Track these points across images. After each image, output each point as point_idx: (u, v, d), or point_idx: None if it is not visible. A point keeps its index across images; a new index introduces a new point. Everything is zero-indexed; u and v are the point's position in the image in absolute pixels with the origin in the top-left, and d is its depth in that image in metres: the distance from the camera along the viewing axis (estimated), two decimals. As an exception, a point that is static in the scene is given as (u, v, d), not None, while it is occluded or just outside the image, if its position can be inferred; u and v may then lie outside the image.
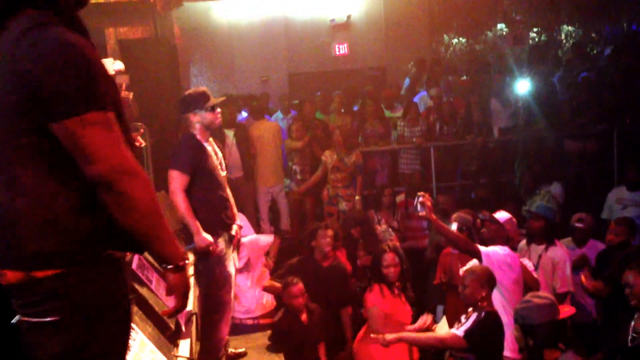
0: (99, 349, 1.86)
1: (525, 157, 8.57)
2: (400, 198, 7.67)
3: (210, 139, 4.39)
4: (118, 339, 1.95)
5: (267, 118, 8.96)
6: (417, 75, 10.26)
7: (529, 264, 4.91)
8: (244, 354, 4.98)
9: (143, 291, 3.59)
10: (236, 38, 11.45)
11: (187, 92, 4.42)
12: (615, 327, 4.49)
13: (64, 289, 1.79)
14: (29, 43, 1.69)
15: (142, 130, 5.07)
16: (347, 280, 5.59)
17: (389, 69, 11.94)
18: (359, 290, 5.49)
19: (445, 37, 12.70)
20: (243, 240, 5.70)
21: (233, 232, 4.41)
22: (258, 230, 7.82)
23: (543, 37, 11.85)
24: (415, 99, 9.28)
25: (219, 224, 4.28)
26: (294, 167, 8.08)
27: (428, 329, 4.55)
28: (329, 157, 7.66)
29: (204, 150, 4.23)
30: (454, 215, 5.36)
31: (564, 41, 11.55)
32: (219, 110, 4.33)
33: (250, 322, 5.74)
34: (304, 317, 4.98)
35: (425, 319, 4.59)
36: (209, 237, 4.13)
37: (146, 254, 4.26)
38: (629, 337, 3.87)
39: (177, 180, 4.10)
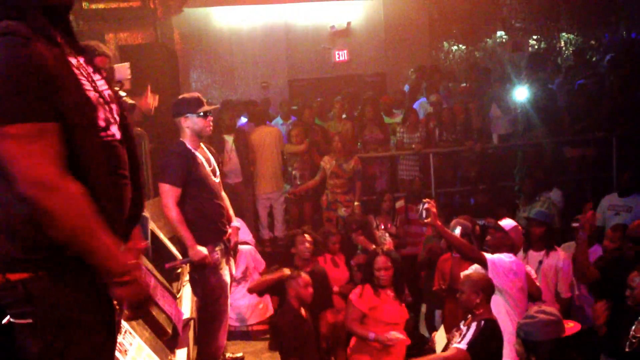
0: (77, 355, 1.85)
1: (525, 163, 8.59)
2: (399, 204, 7.67)
3: (202, 146, 4.31)
4: (98, 347, 1.92)
5: (267, 123, 8.96)
6: (417, 82, 10.28)
7: (531, 272, 4.91)
8: (241, 359, 4.98)
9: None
10: (236, 44, 11.47)
11: (181, 96, 4.36)
12: (615, 333, 4.49)
13: (35, 293, 1.79)
14: None
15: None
16: (328, 284, 5.56)
17: (388, 76, 11.97)
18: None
19: (445, 43, 12.74)
20: (241, 248, 5.72)
21: (228, 237, 4.34)
22: (257, 236, 7.84)
23: (542, 45, 11.89)
24: (414, 106, 9.29)
25: (215, 233, 4.22)
26: (293, 172, 8.10)
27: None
28: (327, 162, 7.68)
29: (194, 159, 4.14)
30: (453, 222, 5.37)
31: (564, 48, 11.59)
32: (211, 118, 4.24)
33: (244, 329, 5.74)
34: (303, 312, 5.01)
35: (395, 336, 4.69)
36: (203, 250, 4.09)
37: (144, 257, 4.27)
38: (627, 343, 3.87)
39: (168, 193, 4.04)
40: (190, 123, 4.15)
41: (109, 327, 2.00)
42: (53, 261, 1.80)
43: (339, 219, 7.53)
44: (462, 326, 4.06)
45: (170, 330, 3.67)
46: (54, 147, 1.73)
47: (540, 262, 5.29)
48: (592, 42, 11.20)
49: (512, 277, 4.42)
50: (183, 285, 4.72)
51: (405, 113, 8.75)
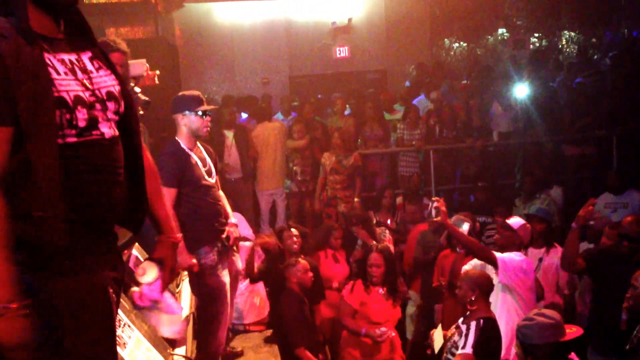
0: (75, 348, 1.85)
1: (525, 161, 8.60)
2: (400, 200, 7.69)
3: (199, 144, 4.25)
4: (96, 340, 1.93)
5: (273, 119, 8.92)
6: (418, 79, 10.28)
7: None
8: (240, 353, 4.98)
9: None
10: (237, 39, 11.46)
11: (180, 93, 4.29)
12: (601, 328, 4.52)
13: (30, 286, 1.79)
14: None
15: None
16: (319, 277, 5.57)
17: (389, 72, 11.96)
18: None
19: (446, 41, 12.72)
20: (242, 244, 5.70)
21: (227, 235, 4.27)
22: (257, 231, 7.84)
23: (544, 42, 11.88)
24: (413, 103, 9.29)
25: (211, 234, 4.15)
26: (294, 168, 8.11)
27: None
28: (327, 159, 7.69)
29: (188, 159, 4.08)
30: (454, 218, 5.37)
31: (565, 46, 11.58)
32: (209, 118, 4.18)
33: (241, 327, 5.74)
34: (302, 295, 5.04)
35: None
36: (189, 260, 3.99)
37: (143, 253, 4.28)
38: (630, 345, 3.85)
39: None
40: (188, 121, 4.09)
41: (109, 321, 2.00)
42: (45, 254, 1.81)
43: (339, 215, 7.54)
44: (460, 324, 4.08)
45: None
46: None
47: (541, 260, 5.30)
48: (594, 40, 11.20)
49: (522, 275, 4.43)
50: (182, 280, 4.73)
51: (406, 110, 8.75)
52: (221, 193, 4.39)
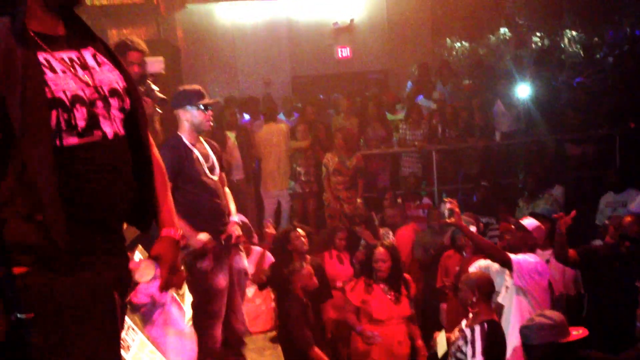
0: (79, 350, 1.84)
1: (528, 160, 8.59)
2: (400, 201, 7.71)
3: (202, 140, 4.14)
4: (99, 341, 1.91)
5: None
6: (420, 79, 10.27)
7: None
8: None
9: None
10: (239, 40, 11.47)
11: (181, 87, 4.18)
12: (608, 331, 4.51)
13: (33, 287, 1.79)
14: None
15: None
16: (325, 276, 5.64)
17: (391, 72, 11.95)
18: None
19: (448, 40, 12.71)
20: (253, 248, 5.71)
21: (228, 235, 4.13)
22: (260, 233, 7.83)
23: (546, 41, 11.85)
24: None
25: (211, 234, 3.99)
26: (298, 169, 8.11)
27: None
28: (330, 159, 7.70)
29: (188, 153, 3.98)
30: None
31: (567, 45, 11.56)
32: (211, 112, 4.07)
33: (247, 334, 5.72)
34: (306, 300, 5.06)
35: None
36: (203, 237, 3.93)
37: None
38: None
39: None
40: (190, 116, 3.98)
41: (112, 322, 1.98)
42: (48, 256, 1.80)
43: (341, 215, 7.55)
44: (464, 328, 4.08)
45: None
46: None
47: (547, 261, 5.26)
48: (596, 39, 11.16)
49: (537, 277, 4.40)
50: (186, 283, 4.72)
51: (408, 110, 8.74)
52: (227, 190, 4.30)
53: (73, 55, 1.91)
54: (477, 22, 12.38)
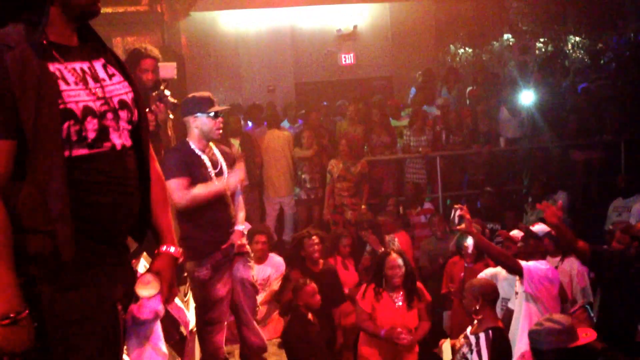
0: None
1: (532, 166, 8.58)
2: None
3: (213, 146, 4.10)
4: (102, 351, 1.91)
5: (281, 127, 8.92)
6: (424, 85, 10.27)
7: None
8: None
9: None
10: (243, 48, 11.49)
11: (191, 95, 4.15)
12: (619, 334, 4.48)
13: (37, 297, 1.79)
14: None
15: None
16: (338, 281, 5.69)
17: (395, 79, 11.96)
18: None
19: (452, 47, 12.71)
20: (272, 256, 5.70)
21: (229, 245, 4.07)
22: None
23: (549, 48, 11.85)
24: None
25: (208, 246, 3.96)
26: (303, 176, 8.11)
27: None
28: (334, 166, 7.70)
29: (195, 158, 3.94)
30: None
31: (571, 51, 11.55)
32: (221, 119, 4.03)
33: None
34: (310, 316, 5.02)
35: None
36: (233, 178, 3.94)
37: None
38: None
39: (176, 187, 3.79)
40: (200, 123, 3.94)
41: (115, 335, 1.98)
42: (52, 266, 1.79)
43: (346, 222, 7.54)
44: (469, 334, 4.07)
45: (177, 335, 3.67)
46: None
47: (556, 268, 5.23)
48: (600, 45, 11.16)
49: (547, 284, 4.37)
50: (190, 289, 4.72)
51: (412, 116, 8.74)
52: (240, 199, 4.26)
53: (85, 66, 1.92)
54: (481, 29, 12.38)
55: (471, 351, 3.93)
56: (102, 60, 1.99)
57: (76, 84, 1.86)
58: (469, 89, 9.74)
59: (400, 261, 4.97)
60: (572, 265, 5.14)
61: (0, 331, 1.70)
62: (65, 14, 1.87)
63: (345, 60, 11.75)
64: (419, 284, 5.25)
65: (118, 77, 2.00)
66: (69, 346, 1.83)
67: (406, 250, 6.61)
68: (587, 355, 3.47)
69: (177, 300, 4.02)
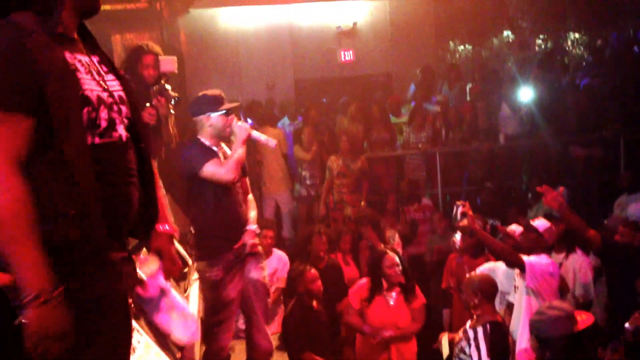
0: (92, 357, 1.83)
1: (532, 163, 8.58)
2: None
3: (223, 145, 4.13)
4: (113, 348, 1.91)
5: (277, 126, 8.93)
6: (423, 82, 10.27)
7: None
8: None
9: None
10: (242, 45, 11.48)
11: (201, 93, 4.15)
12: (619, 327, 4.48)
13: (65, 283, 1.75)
14: None
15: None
16: (342, 276, 5.84)
17: (394, 76, 11.95)
18: None
19: (451, 43, 12.70)
20: (275, 251, 5.72)
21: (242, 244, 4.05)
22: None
23: (549, 44, 11.84)
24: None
25: (221, 247, 3.96)
26: (303, 173, 8.11)
27: None
28: (334, 162, 7.69)
29: (208, 153, 3.96)
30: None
31: (570, 48, 11.54)
32: (232, 116, 4.06)
33: None
34: (315, 303, 5.04)
35: None
36: (243, 126, 3.98)
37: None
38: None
39: (215, 166, 3.84)
40: (213, 121, 3.98)
41: (125, 328, 1.99)
42: (68, 260, 1.77)
43: (346, 218, 7.54)
44: (467, 329, 4.09)
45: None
46: (11, 140, 1.67)
47: (560, 264, 5.23)
48: (600, 41, 11.14)
49: (548, 278, 4.42)
50: (190, 285, 4.72)
51: (412, 113, 8.74)
52: (250, 198, 4.26)
53: (86, 59, 1.95)
54: (481, 25, 12.37)
55: (469, 345, 3.96)
56: (97, 57, 2.02)
57: (86, 73, 1.89)
58: (469, 86, 9.74)
59: (397, 259, 4.99)
60: (576, 262, 5.14)
61: (34, 312, 1.63)
62: (74, 8, 1.89)
63: (344, 57, 11.74)
64: (415, 284, 5.27)
65: (111, 75, 2.03)
66: (89, 335, 1.81)
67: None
68: (589, 337, 3.55)
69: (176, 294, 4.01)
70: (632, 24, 10.61)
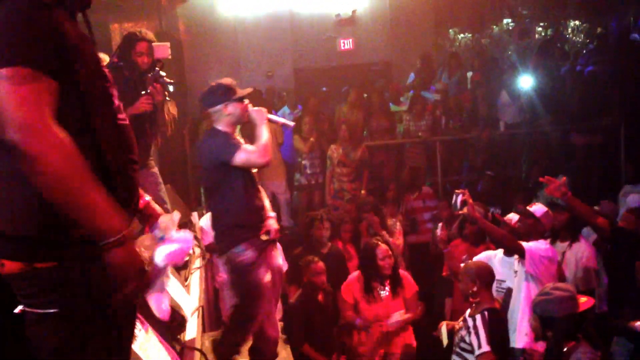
0: (98, 347, 1.81)
1: (532, 151, 8.57)
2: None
3: (237, 134, 4.08)
4: (118, 339, 1.90)
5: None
6: (422, 70, 10.24)
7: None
8: None
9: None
10: (241, 33, 11.43)
11: (214, 84, 4.01)
12: (622, 316, 4.49)
13: (63, 281, 1.74)
14: None
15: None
16: (344, 262, 5.87)
17: (394, 64, 11.91)
18: None
19: (451, 31, 12.66)
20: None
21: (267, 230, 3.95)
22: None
23: (549, 32, 11.81)
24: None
25: (251, 230, 3.88)
26: (303, 162, 8.10)
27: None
28: (334, 151, 7.68)
29: (237, 140, 3.88)
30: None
31: (571, 35, 11.51)
32: (247, 101, 3.95)
33: None
34: (320, 296, 5.05)
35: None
36: (260, 110, 3.94)
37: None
38: None
39: (248, 151, 3.78)
40: (232, 109, 3.87)
41: (129, 319, 1.99)
42: (79, 249, 1.74)
43: (346, 207, 7.54)
44: (467, 317, 4.11)
45: (179, 317, 3.68)
46: (47, 96, 1.64)
47: (564, 253, 5.22)
48: (600, 29, 11.11)
49: (547, 263, 4.44)
50: (191, 273, 4.72)
51: (411, 101, 8.72)
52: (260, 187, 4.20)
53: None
54: (480, 13, 12.34)
55: (469, 333, 3.97)
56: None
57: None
58: (469, 74, 9.71)
59: (390, 251, 5.04)
60: (578, 251, 5.12)
61: (120, 252, 1.68)
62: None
63: (344, 46, 11.69)
64: (406, 273, 5.34)
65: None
66: (94, 332, 1.79)
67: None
68: (591, 317, 3.65)
69: (176, 283, 4.01)
70: (633, 11, 10.58)
